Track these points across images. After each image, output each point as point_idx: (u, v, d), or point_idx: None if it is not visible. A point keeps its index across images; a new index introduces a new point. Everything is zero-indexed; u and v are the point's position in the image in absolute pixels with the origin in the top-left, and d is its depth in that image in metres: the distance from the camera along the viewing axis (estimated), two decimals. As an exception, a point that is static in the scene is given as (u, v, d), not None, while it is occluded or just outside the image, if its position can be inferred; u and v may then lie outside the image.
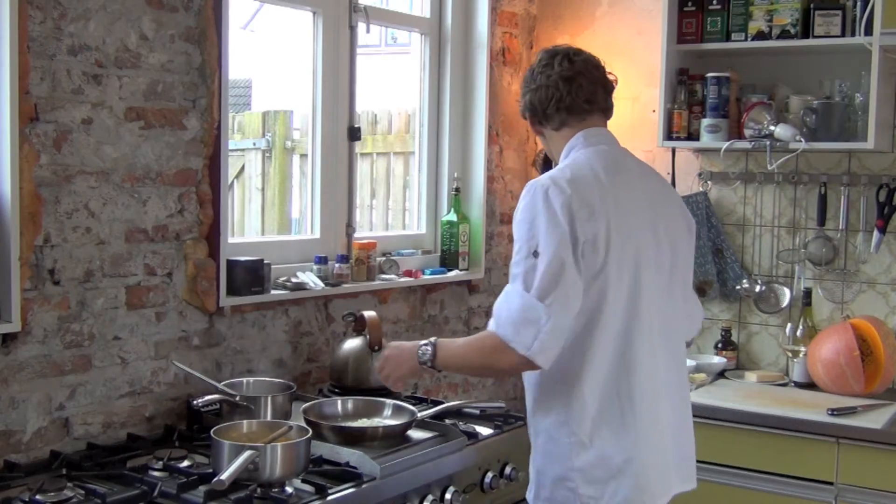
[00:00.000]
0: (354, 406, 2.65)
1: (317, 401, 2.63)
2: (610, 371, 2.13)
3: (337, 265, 3.10)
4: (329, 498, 2.14)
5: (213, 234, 2.69)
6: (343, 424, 2.49)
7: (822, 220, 3.46)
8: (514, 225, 2.15)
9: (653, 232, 2.21)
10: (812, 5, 3.29)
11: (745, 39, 3.39)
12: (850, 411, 3.01)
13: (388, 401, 2.66)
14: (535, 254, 2.05)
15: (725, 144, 3.41)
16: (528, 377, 2.25)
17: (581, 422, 2.13)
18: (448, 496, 2.42)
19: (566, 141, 2.27)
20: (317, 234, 3.21)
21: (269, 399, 2.52)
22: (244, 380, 2.69)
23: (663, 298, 2.23)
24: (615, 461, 2.12)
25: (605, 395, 2.13)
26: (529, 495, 2.27)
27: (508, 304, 2.07)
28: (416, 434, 2.51)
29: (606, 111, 2.32)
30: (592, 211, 2.09)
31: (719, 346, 3.62)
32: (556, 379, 2.15)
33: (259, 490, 2.09)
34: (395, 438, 2.46)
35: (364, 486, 2.21)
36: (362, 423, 2.54)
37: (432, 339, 2.26)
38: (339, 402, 2.66)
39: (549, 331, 2.02)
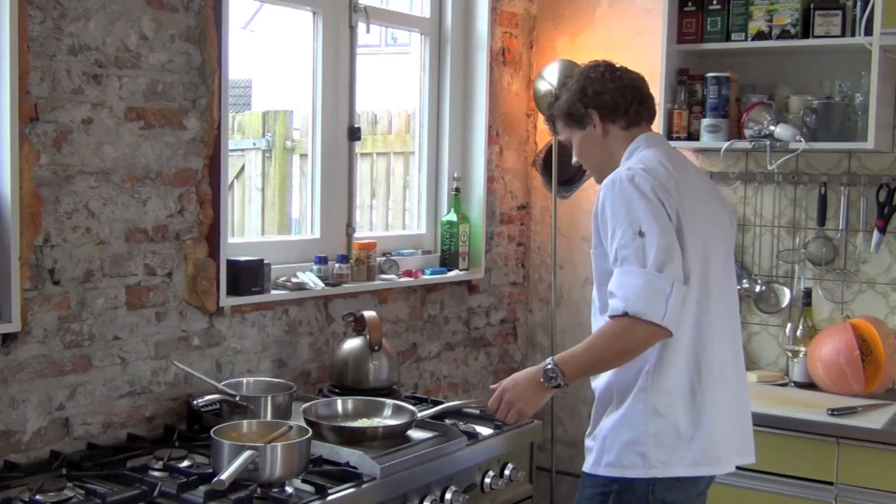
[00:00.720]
0: (354, 406, 2.65)
1: (317, 401, 2.63)
2: (687, 346, 2.25)
3: (337, 265, 3.10)
4: (329, 498, 2.14)
5: (213, 234, 2.69)
6: (343, 424, 2.49)
7: (822, 220, 3.46)
8: (606, 216, 2.24)
9: (711, 223, 2.35)
10: (812, 5, 3.29)
11: (745, 39, 3.39)
12: (850, 411, 3.01)
13: (389, 401, 2.66)
14: (641, 233, 2.17)
15: (725, 144, 3.41)
16: None
17: (659, 393, 2.24)
18: (448, 496, 2.42)
19: (628, 142, 2.40)
20: (317, 234, 3.21)
21: (269, 399, 2.52)
22: (244, 380, 2.69)
23: (724, 282, 2.38)
24: (686, 430, 2.25)
25: (680, 368, 2.25)
26: (587, 465, 2.33)
27: (631, 283, 2.15)
28: (416, 434, 2.51)
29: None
30: (670, 195, 2.24)
31: (719, 346, 3.62)
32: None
33: (259, 490, 2.09)
34: (396, 438, 2.46)
35: (364, 486, 2.21)
36: (362, 422, 2.54)
37: (548, 360, 2.27)
38: (340, 402, 2.66)
39: (675, 298, 2.14)
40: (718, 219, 2.40)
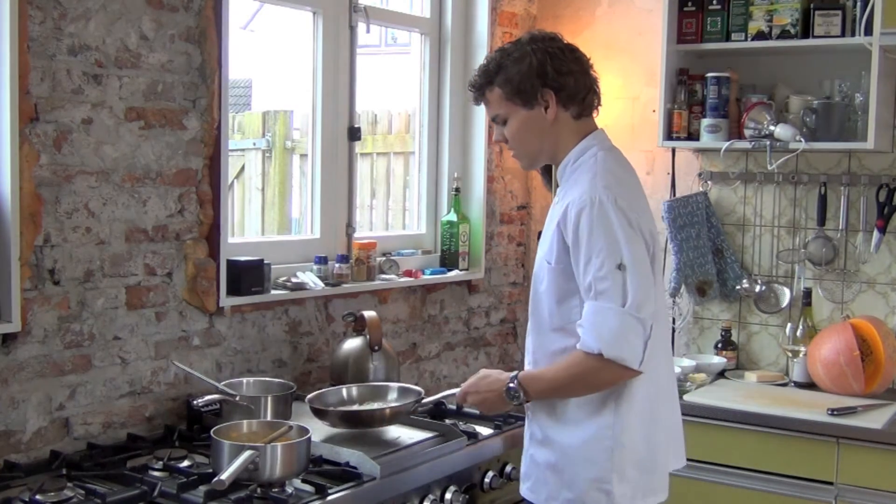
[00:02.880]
0: (360, 392, 2.66)
1: (321, 390, 2.64)
2: (645, 376, 2.14)
3: (337, 265, 3.10)
4: (329, 498, 2.13)
5: (213, 234, 2.69)
6: (350, 409, 2.51)
7: (822, 220, 3.46)
8: (581, 239, 2.08)
9: (654, 231, 2.25)
10: (812, 5, 3.29)
11: (745, 39, 3.39)
12: (850, 411, 3.01)
13: (393, 384, 2.69)
14: (621, 266, 2.04)
15: (725, 144, 3.41)
16: None
17: (625, 428, 2.15)
18: (448, 496, 2.42)
19: (578, 134, 2.21)
20: (317, 234, 3.21)
21: (269, 399, 2.52)
22: (244, 380, 2.69)
23: (662, 291, 2.34)
24: (644, 461, 2.18)
25: (642, 399, 2.17)
26: (540, 499, 2.23)
27: (607, 323, 2.05)
28: (416, 434, 2.52)
29: None
30: (642, 213, 2.16)
31: (719, 346, 3.62)
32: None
33: (259, 490, 2.09)
34: (402, 417, 2.49)
35: (364, 486, 2.21)
36: (368, 406, 2.57)
37: (513, 377, 2.18)
38: (344, 389, 2.67)
39: (651, 341, 2.07)
40: (654, 225, 2.25)
